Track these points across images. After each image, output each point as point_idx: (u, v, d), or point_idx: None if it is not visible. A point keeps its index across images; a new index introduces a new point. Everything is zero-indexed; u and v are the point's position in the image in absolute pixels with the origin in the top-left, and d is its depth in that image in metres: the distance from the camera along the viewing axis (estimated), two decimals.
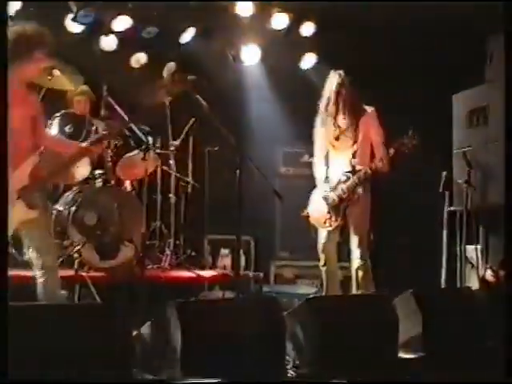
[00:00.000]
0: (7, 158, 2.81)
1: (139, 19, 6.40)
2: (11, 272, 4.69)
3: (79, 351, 2.84)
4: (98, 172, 5.83)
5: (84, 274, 5.13)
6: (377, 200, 5.10)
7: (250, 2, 6.53)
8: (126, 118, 5.73)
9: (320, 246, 5.12)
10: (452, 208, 6.08)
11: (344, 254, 5.25)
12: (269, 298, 4.90)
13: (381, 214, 5.31)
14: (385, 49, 6.65)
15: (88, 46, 6.40)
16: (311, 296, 4.14)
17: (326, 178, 5.08)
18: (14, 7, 5.64)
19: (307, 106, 5.44)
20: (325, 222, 5.05)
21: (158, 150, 6.09)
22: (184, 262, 6.20)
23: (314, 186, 5.21)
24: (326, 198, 5.04)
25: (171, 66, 6.18)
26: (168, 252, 6.14)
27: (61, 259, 5.02)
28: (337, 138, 5.05)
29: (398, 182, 6.13)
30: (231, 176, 4.25)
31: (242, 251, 6.53)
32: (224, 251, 6.65)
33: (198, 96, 4.68)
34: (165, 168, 6.35)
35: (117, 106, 5.94)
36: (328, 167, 5.08)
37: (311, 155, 5.36)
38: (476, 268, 5.87)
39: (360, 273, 4.93)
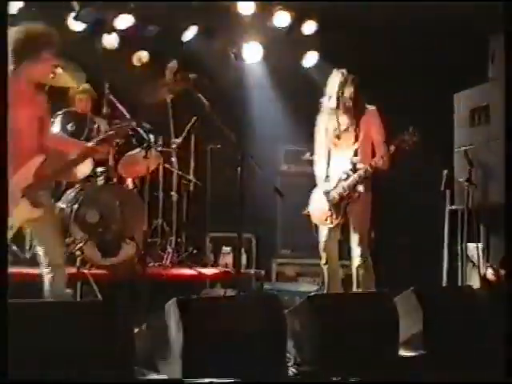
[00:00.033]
0: (7, 158, 2.81)
1: (141, 17, 6.40)
2: (14, 269, 4.75)
3: (80, 348, 2.84)
4: (99, 170, 5.85)
5: (86, 271, 5.14)
6: (378, 199, 5.10)
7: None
8: (128, 115, 5.75)
9: (321, 245, 5.13)
10: (453, 207, 6.09)
11: (345, 252, 5.26)
12: (270, 295, 4.91)
13: (382, 213, 5.32)
14: (387, 48, 6.66)
15: (90, 44, 6.41)
16: (312, 294, 4.14)
17: (327, 176, 5.09)
18: (16, 6, 5.65)
19: (309, 105, 5.45)
20: (326, 220, 5.05)
21: (160, 148, 6.10)
22: (185, 259, 6.21)
23: (315, 185, 5.22)
24: (327, 194, 5.04)
25: (173, 64, 6.18)
26: (169, 250, 6.15)
27: None
28: (338, 137, 5.05)
29: (399, 180, 6.14)
30: (233, 174, 4.27)
31: (243, 249, 6.58)
32: (226, 249, 6.65)
33: (199, 94, 4.69)
34: (167, 166, 6.37)
35: (119, 104, 5.96)
36: (329, 165, 5.09)
37: (312, 153, 5.37)
38: (477, 266, 5.88)
39: (361, 271, 4.94)
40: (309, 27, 6.82)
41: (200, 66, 6.30)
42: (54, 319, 2.84)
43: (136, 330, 3.26)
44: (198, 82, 4.88)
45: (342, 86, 4.99)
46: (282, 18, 6.73)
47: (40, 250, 3.84)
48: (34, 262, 4.39)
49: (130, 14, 6.31)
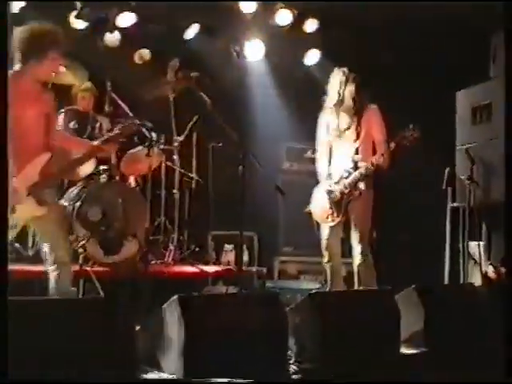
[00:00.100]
0: (7, 158, 2.82)
1: (143, 16, 6.41)
2: (16, 267, 4.76)
3: (82, 346, 2.84)
4: (102, 168, 5.85)
5: (88, 268, 5.15)
6: (380, 197, 5.11)
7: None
8: (130, 113, 5.75)
9: (323, 244, 5.13)
10: (455, 204, 6.09)
11: (346, 250, 5.27)
12: (272, 293, 4.92)
13: (383, 211, 5.32)
14: (388, 47, 6.66)
15: (92, 43, 6.41)
16: (313, 291, 4.15)
17: (329, 174, 5.10)
18: (18, 4, 5.65)
19: (310, 102, 5.46)
20: (327, 218, 5.06)
21: (162, 146, 6.10)
22: (188, 257, 6.22)
23: (317, 182, 5.22)
24: (329, 192, 5.04)
25: (175, 62, 6.19)
26: (172, 247, 6.17)
27: None
28: (339, 135, 5.06)
29: (400, 179, 6.14)
30: (235, 172, 4.28)
31: (245, 247, 6.59)
32: (228, 247, 6.66)
33: (201, 92, 4.70)
34: (169, 164, 6.38)
35: (121, 102, 5.96)
36: (330, 163, 5.10)
37: (314, 151, 5.37)
38: (479, 264, 5.88)
39: (362, 269, 4.95)
40: (311, 25, 6.81)
41: (202, 64, 6.30)
42: (56, 317, 2.84)
43: (138, 327, 3.27)
44: (199, 80, 4.89)
45: (343, 84, 5.00)
46: (283, 16, 6.72)
47: (45, 248, 3.84)
48: (36, 259, 4.41)
49: (131, 12, 6.32)
